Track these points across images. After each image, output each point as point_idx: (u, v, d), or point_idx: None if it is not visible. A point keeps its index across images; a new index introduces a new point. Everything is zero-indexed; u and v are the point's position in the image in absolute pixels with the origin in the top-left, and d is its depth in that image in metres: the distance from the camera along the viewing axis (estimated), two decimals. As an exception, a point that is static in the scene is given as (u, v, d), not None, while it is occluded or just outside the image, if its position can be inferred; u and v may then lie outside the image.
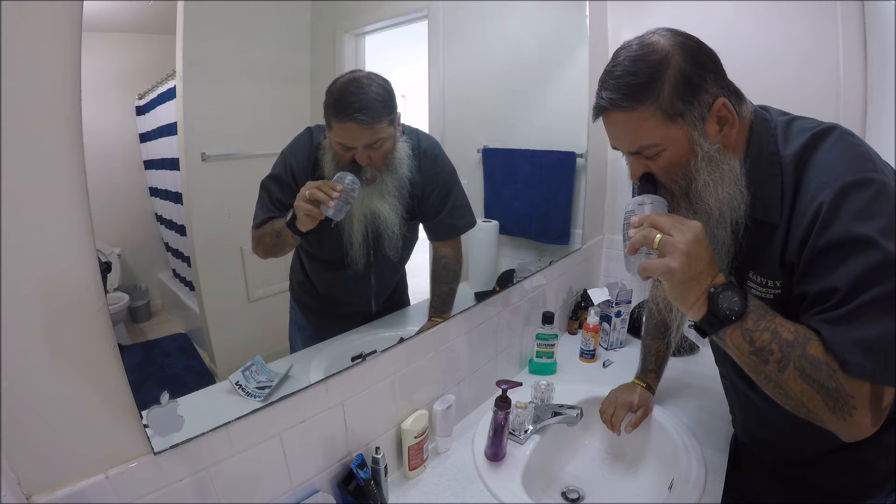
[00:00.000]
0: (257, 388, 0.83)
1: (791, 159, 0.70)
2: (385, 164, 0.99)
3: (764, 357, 0.66)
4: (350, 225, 0.99)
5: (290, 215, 0.90)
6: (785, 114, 0.77)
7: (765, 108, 0.78)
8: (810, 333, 0.65)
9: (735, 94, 0.73)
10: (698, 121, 0.70)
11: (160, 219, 0.86)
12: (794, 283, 0.70)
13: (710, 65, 0.71)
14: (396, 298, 1.23)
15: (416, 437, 1.04)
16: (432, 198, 1.12)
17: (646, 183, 0.76)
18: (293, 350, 1.04)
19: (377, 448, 0.95)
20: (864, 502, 0.86)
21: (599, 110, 0.73)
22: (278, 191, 0.94)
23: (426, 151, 1.08)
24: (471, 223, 1.23)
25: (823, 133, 0.69)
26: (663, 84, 0.68)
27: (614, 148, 0.77)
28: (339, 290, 1.12)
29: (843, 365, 0.61)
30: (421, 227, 1.17)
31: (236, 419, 0.77)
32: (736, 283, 0.74)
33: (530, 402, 1.19)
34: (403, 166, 1.02)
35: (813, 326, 0.66)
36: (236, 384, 0.82)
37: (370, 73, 0.94)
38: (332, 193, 0.86)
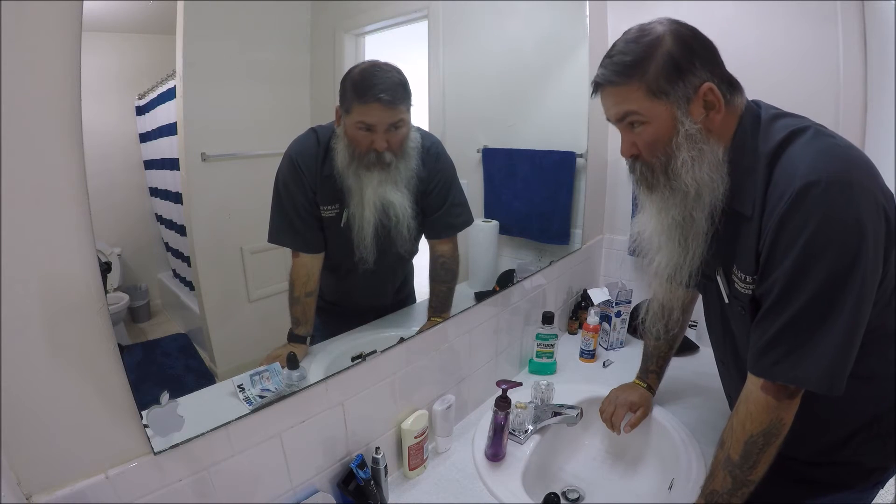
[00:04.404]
0: (259, 395, 0.82)
1: (765, 155, 0.72)
2: (401, 150, 1.00)
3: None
4: (361, 218, 1.00)
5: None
6: (775, 109, 0.78)
7: (757, 104, 0.80)
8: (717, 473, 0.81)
9: (728, 83, 0.77)
10: (682, 101, 0.74)
11: (160, 219, 0.86)
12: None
13: (701, 52, 0.75)
14: (402, 297, 1.23)
15: (416, 437, 1.04)
16: (434, 194, 1.12)
17: None
18: (293, 350, 1.04)
19: (377, 448, 0.95)
20: (846, 491, 0.87)
21: (595, 86, 0.81)
22: (296, 189, 0.95)
23: (430, 149, 1.09)
24: (468, 221, 1.23)
25: (800, 130, 0.71)
26: (650, 63, 0.74)
27: (608, 120, 0.82)
28: (347, 288, 1.12)
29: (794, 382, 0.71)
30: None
31: (236, 419, 0.77)
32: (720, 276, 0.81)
33: (530, 402, 1.19)
34: (415, 156, 1.03)
35: (757, 336, 0.75)
36: (239, 387, 0.82)
37: (387, 62, 0.95)
38: None
